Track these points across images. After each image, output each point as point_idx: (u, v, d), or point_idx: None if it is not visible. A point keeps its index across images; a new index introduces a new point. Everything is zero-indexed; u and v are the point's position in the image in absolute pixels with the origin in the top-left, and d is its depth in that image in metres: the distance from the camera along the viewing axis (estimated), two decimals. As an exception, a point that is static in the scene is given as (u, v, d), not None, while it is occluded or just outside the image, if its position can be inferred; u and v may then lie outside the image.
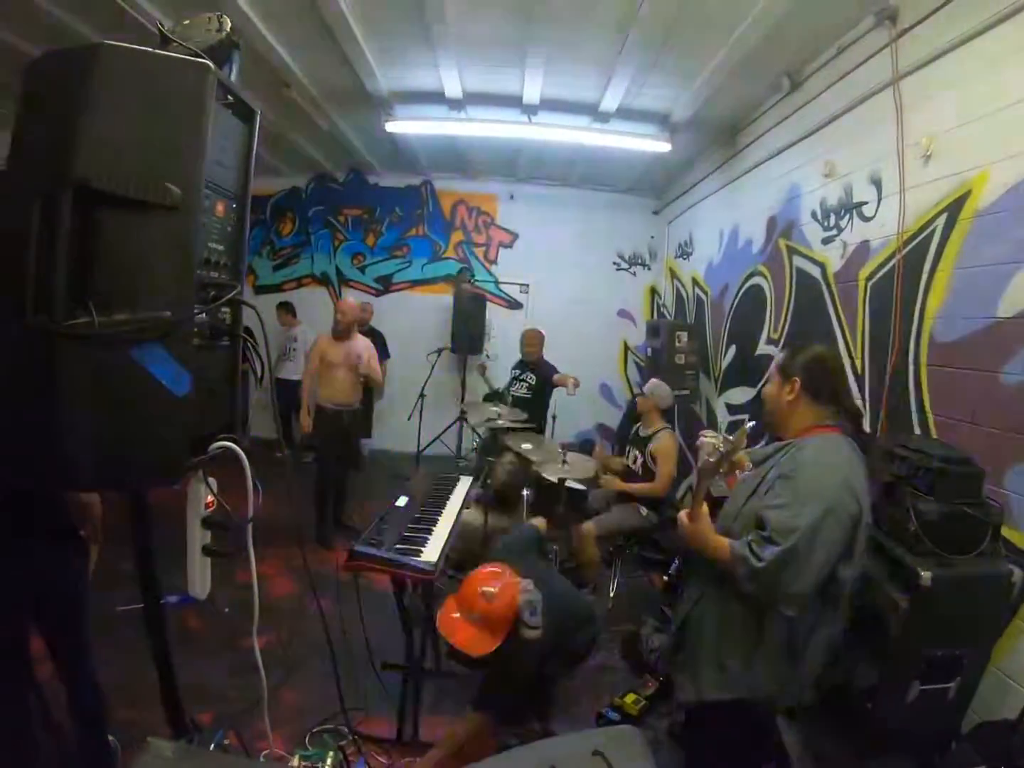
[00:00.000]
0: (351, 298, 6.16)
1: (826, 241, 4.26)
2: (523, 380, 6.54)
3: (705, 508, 2.12)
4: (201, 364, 1.45)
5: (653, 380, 5.37)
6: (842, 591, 1.99)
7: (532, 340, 6.58)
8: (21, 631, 2.36)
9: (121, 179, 1.24)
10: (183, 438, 1.42)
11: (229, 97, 1.52)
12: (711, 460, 2.03)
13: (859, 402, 3.63)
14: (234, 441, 1.60)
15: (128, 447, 1.33)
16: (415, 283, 9.42)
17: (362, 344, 5.86)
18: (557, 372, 6.43)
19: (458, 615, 2.65)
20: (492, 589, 2.62)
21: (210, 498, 1.68)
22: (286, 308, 8.55)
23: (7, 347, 1.31)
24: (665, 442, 4.96)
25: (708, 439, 2.27)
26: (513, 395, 6.41)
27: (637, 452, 5.14)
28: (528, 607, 2.58)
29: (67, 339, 1.22)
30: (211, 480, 1.67)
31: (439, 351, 8.19)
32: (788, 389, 2.15)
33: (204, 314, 1.47)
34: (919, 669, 2.34)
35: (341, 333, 5.71)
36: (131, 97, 1.29)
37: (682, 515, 2.18)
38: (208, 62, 1.38)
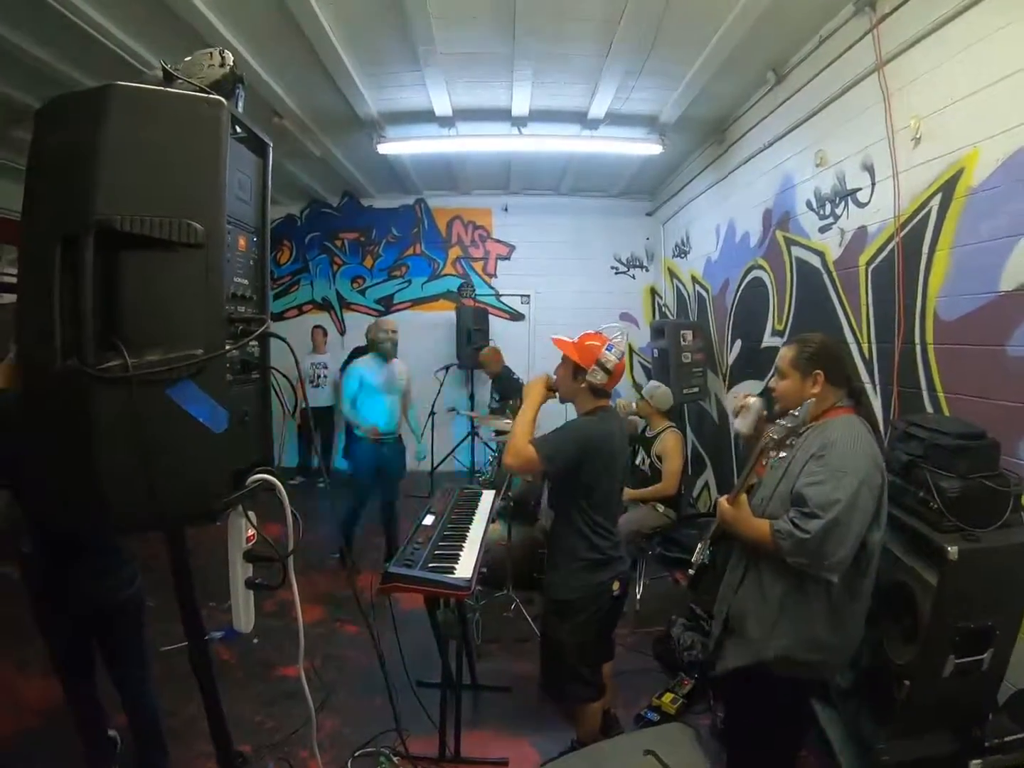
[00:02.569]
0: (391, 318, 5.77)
1: (823, 230, 4.29)
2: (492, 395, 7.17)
3: (744, 496, 2.31)
4: (234, 398, 1.45)
5: (652, 382, 5.37)
6: (871, 558, 2.17)
7: (488, 358, 7.08)
8: (86, 643, 2.60)
9: (143, 220, 1.24)
10: (223, 474, 1.43)
11: (239, 130, 1.51)
12: (775, 437, 2.17)
13: (868, 386, 3.68)
14: (271, 473, 1.60)
15: (169, 487, 1.32)
16: (416, 302, 9.46)
17: (403, 365, 5.51)
18: (522, 383, 6.61)
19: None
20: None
21: (251, 531, 1.66)
22: (324, 332, 8.68)
23: (41, 389, 1.31)
24: (669, 440, 4.97)
25: (753, 400, 2.58)
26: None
27: (644, 453, 5.16)
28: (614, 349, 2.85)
29: (100, 382, 1.22)
30: (250, 513, 1.65)
31: (446, 368, 8.22)
32: (811, 383, 2.29)
33: (235, 349, 1.46)
34: (953, 643, 2.33)
35: (387, 354, 5.30)
36: (145, 137, 1.29)
37: (722, 500, 2.37)
38: (220, 98, 1.38)
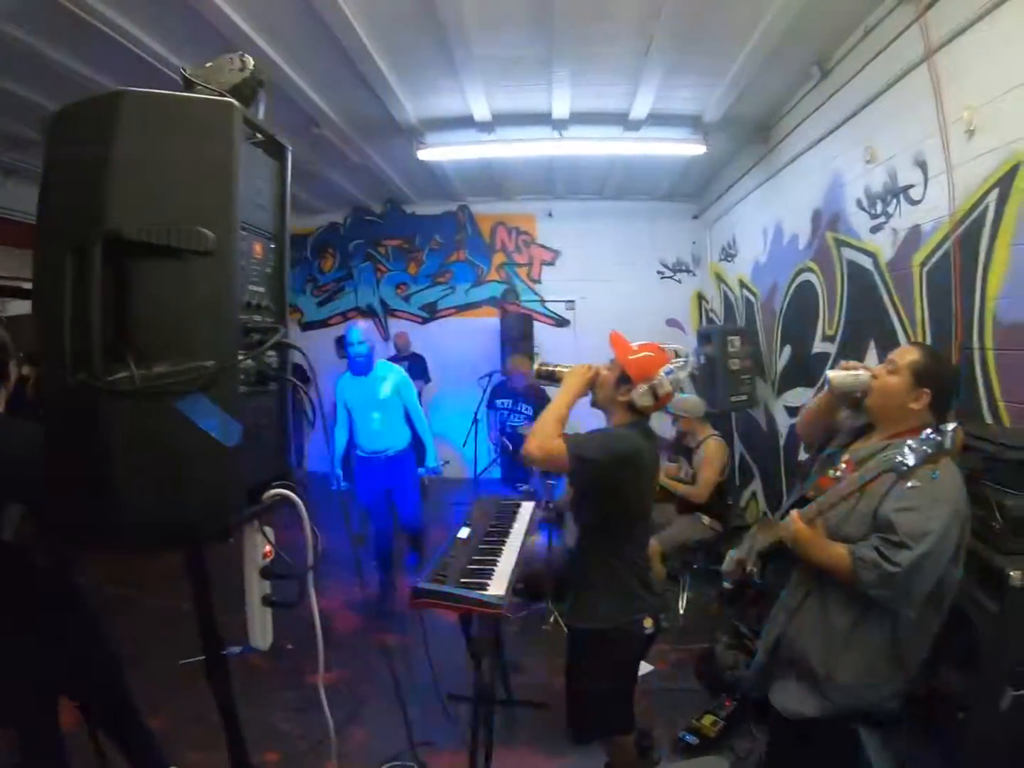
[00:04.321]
0: (361, 321, 5.14)
1: (875, 230, 4.10)
2: (518, 411, 6.47)
3: (822, 520, 2.09)
4: (250, 410, 1.42)
5: (678, 397, 5.19)
6: (946, 594, 2.01)
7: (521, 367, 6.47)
8: (48, 702, 2.34)
9: (152, 227, 1.22)
10: (237, 490, 1.40)
11: (259, 136, 1.51)
12: (908, 464, 1.81)
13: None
14: (289, 488, 1.56)
15: (180, 503, 1.30)
16: (460, 308, 9.50)
17: (382, 374, 4.96)
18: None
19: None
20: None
21: (268, 547, 1.64)
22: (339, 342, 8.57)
23: (55, 402, 1.31)
24: (710, 449, 4.84)
25: (866, 374, 2.23)
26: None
27: (687, 464, 5.02)
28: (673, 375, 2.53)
29: (109, 395, 1.20)
30: (267, 529, 1.62)
31: (489, 375, 8.16)
32: (916, 396, 2.11)
33: (250, 359, 1.43)
34: (1012, 674, 2.16)
35: (361, 367, 4.82)
36: (156, 142, 1.27)
37: (796, 518, 2.12)
38: (232, 100, 1.36)
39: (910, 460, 1.81)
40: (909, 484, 1.88)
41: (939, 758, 2.36)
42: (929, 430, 1.82)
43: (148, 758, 2.65)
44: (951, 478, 1.96)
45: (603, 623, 2.58)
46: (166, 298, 1.26)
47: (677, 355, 2.62)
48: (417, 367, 8.10)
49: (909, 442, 1.83)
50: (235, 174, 1.33)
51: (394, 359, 7.69)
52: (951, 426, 1.79)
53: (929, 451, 1.78)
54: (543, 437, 2.43)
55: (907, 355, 2.17)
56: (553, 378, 2.72)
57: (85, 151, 1.26)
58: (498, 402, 6.76)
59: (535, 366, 2.82)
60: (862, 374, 2.23)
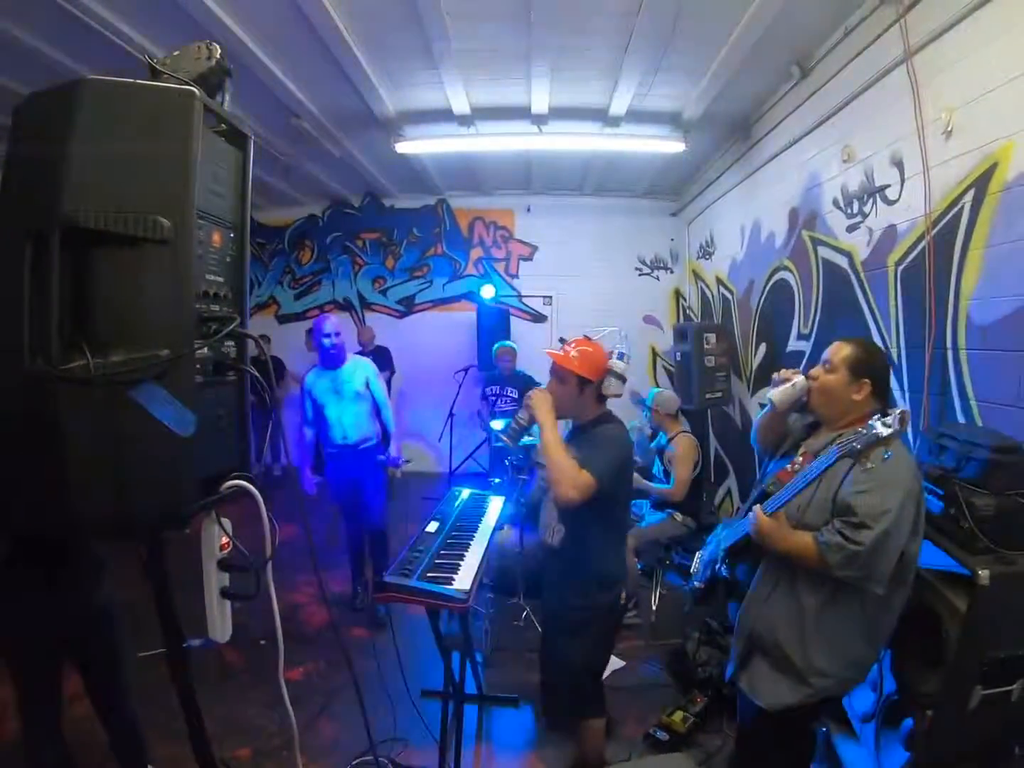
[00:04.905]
0: (333, 316, 5.02)
1: (851, 229, 4.12)
2: (506, 396, 6.73)
3: (783, 511, 2.19)
4: (207, 401, 1.42)
5: (654, 391, 5.22)
6: (910, 568, 2.09)
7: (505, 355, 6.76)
8: (53, 666, 2.38)
9: (108, 215, 1.21)
10: (191, 480, 1.38)
11: (222, 125, 1.50)
12: (858, 447, 1.99)
13: (897, 393, 3.51)
14: (246, 479, 1.55)
15: (134, 492, 1.29)
16: (437, 303, 9.44)
17: (353, 368, 4.83)
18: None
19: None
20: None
21: (225, 539, 1.62)
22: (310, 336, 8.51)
23: (11, 392, 1.28)
24: (681, 446, 4.83)
25: (801, 379, 2.33)
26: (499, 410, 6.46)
27: (660, 461, 5.02)
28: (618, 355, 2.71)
29: (65, 383, 1.20)
30: (225, 520, 1.61)
31: (466, 369, 8.13)
32: (857, 388, 2.20)
33: (206, 349, 1.42)
34: (981, 673, 2.18)
35: (332, 360, 4.72)
36: (115, 129, 1.26)
37: (759, 512, 2.22)
38: (192, 88, 1.35)
39: (859, 445, 1.99)
40: (866, 467, 1.99)
41: (909, 756, 2.36)
42: (876, 416, 1.99)
43: (132, 746, 2.68)
44: (902, 458, 2.04)
45: (589, 610, 2.69)
46: (123, 287, 1.26)
47: (608, 337, 2.82)
48: (382, 359, 8.02)
49: (859, 429, 2.01)
50: (193, 162, 1.33)
51: (359, 354, 7.68)
52: (897, 410, 1.98)
53: (884, 434, 1.94)
54: (571, 477, 2.46)
55: (841, 351, 2.27)
56: (527, 427, 2.80)
57: (45, 139, 1.26)
58: (487, 390, 6.91)
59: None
60: (799, 381, 2.32)
